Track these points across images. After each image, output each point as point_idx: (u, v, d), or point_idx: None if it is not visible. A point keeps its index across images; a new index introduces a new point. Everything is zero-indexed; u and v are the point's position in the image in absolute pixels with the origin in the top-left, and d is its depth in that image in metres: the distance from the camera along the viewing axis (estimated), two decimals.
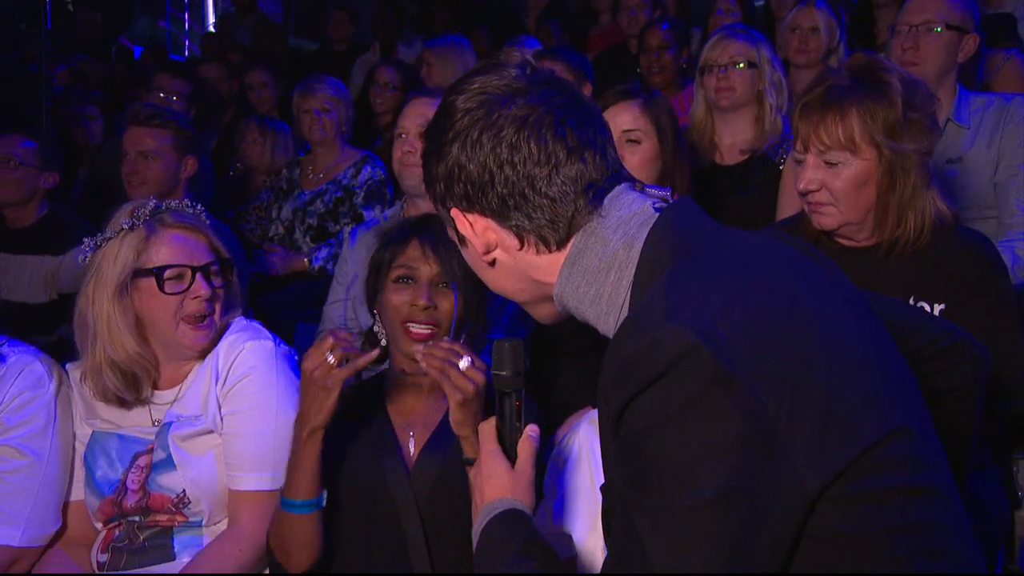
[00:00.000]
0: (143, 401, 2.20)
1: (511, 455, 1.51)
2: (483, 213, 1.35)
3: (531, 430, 1.52)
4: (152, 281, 2.13)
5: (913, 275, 2.14)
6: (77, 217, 4.05)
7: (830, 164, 2.09)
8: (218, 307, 2.19)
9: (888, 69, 2.08)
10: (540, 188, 1.31)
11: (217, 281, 2.19)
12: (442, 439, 2.05)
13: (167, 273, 2.12)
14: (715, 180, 3.28)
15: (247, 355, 2.15)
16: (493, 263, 1.39)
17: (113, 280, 2.13)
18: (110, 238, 2.17)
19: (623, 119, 2.67)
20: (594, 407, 1.89)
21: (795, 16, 3.96)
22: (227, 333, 2.22)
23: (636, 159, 2.64)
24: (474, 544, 1.45)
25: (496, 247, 1.37)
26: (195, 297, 2.14)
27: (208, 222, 2.26)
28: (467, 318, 2.13)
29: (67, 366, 2.29)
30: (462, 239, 1.40)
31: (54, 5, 5.73)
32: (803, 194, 2.16)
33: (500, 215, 1.33)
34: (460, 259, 1.80)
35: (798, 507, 1.12)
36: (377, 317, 2.18)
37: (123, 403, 2.19)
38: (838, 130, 2.05)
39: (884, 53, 3.19)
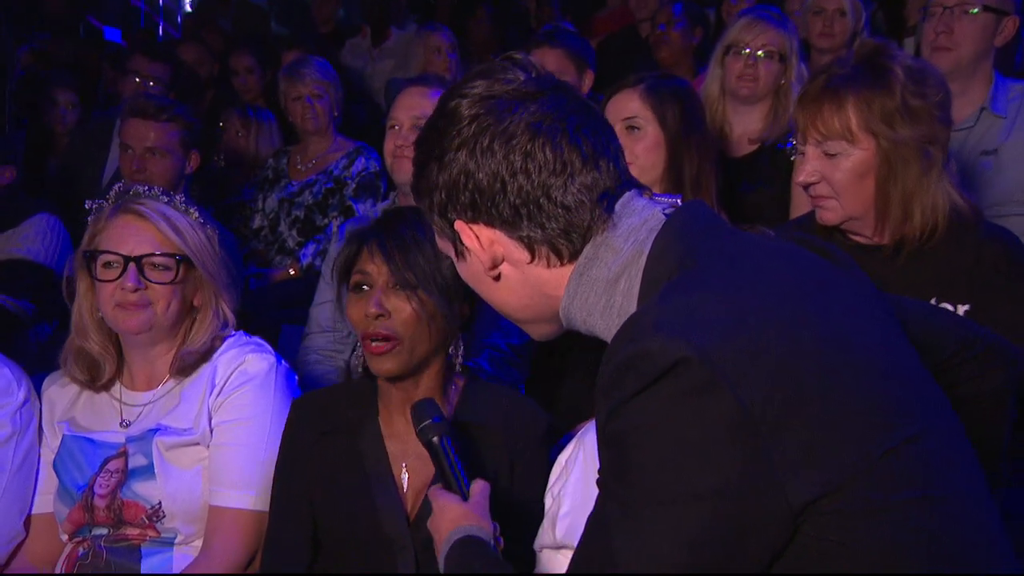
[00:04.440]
0: (105, 387, 2.19)
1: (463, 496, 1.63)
2: (490, 224, 1.33)
3: (478, 482, 1.63)
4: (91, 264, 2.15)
5: (932, 274, 2.10)
6: (28, 197, 3.89)
7: (829, 155, 2.08)
8: (161, 302, 2.12)
9: (893, 56, 2.06)
10: (555, 197, 1.30)
11: (156, 276, 2.11)
12: None
13: (100, 259, 2.12)
14: (724, 173, 3.15)
15: (247, 367, 2.15)
16: (498, 278, 1.36)
17: (78, 259, 2.18)
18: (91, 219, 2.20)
19: (622, 106, 2.64)
20: None
21: None
22: (226, 346, 2.19)
23: (639, 147, 2.60)
24: None
25: (503, 260, 1.35)
26: (123, 288, 2.10)
27: (184, 210, 2.18)
28: (446, 328, 1.91)
29: (46, 378, 2.26)
30: (461, 252, 1.37)
31: None
32: (804, 187, 2.15)
33: (510, 225, 1.32)
34: (424, 259, 1.85)
35: (780, 520, 1.12)
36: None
37: (87, 386, 2.20)
38: (834, 119, 2.05)
39: (916, 36, 3.12)
